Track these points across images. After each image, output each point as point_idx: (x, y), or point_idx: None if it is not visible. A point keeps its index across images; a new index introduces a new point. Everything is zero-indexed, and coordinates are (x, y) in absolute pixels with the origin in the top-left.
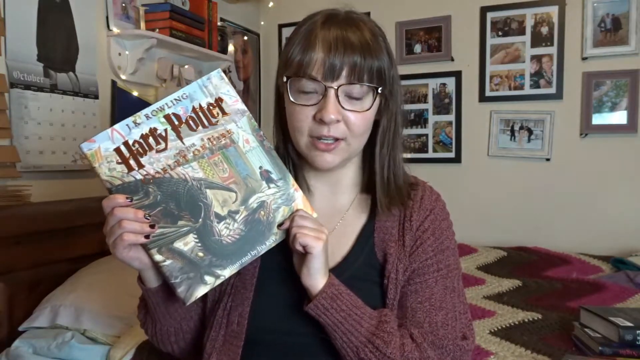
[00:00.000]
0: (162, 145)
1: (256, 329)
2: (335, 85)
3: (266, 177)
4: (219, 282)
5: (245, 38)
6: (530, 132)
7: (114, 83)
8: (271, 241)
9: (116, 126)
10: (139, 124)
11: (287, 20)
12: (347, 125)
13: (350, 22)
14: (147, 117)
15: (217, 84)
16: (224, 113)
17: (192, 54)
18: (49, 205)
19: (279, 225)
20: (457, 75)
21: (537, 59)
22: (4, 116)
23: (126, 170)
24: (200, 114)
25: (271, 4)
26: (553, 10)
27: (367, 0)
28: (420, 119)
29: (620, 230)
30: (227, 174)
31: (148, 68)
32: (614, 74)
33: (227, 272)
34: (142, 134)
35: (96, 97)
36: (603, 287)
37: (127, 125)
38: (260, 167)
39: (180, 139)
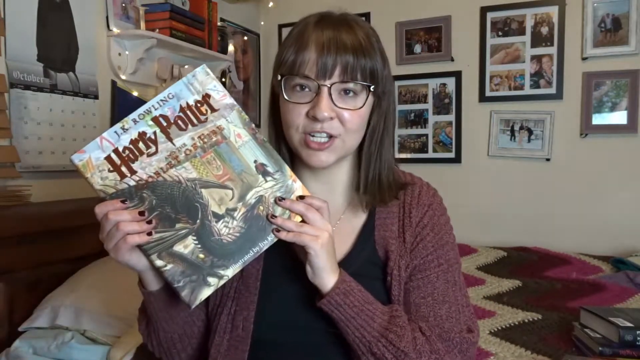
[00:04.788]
0: (153, 149)
1: (262, 332)
2: (328, 83)
3: (262, 170)
4: (222, 282)
5: (245, 38)
6: (530, 132)
7: (114, 83)
8: (273, 236)
9: (104, 134)
10: (127, 129)
11: (287, 20)
12: (342, 123)
13: (343, 23)
14: (135, 121)
15: (203, 80)
16: (212, 109)
17: (192, 54)
18: (49, 205)
19: (272, 217)
20: (457, 75)
21: (537, 59)
22: (3, 116)
23: (119, 178)
24: (189, 112)
25: (271, 4)
26: (553, 10)
27: (367, 0)
28: (420, 119)
29: (620, 230)
30: (221, 172)
31: (148, 68)
32: (614, 74)
33: (230, 272)
34: (131, 140)
35: (96, 97)
36: (603, 287)
37: (115, 132)
38: (255, 161)
39: (170, 140)
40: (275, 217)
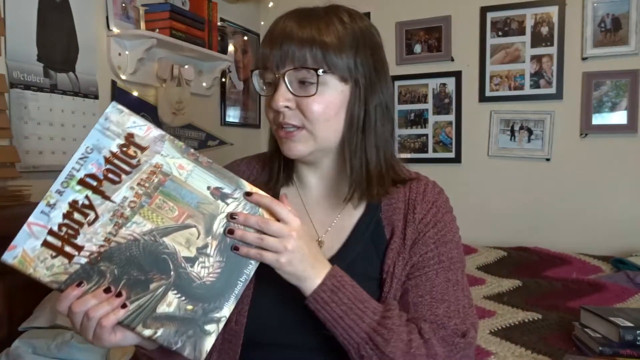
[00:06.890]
0: (92, 215)
1: (256, 327)
2: (282, 72)
3: (219, 195)
4: (222, 324)
5: (245, 38)
6: (530, 132)
7: (114, 83)
8: None
9: (31, 219)
10: (53, 204)
11: None
12: (303, 112)
13: (312, 15)
14: (59, 192)
15: (119, 120)
16: (141, 149)
17: (192, 54)
18: None
19: (235, 249)
20: (457, 75)
21: (537, 59)
22: (3, 116)
23: (67, 261)
24: (117, 161)
25: (271, 4)
26: (553, 10)
27: (367, 0)
28: (420, 119)
29: (620, 230)
30: (176, 212)
31: (148, 68)
32: (614, 74)
33: (226, 312)
34: (63, 214)
35: (96, 97)
36: (603, 287)
37: (41, 212)
38: (209, 187)
39: (108, 198)
40: (233, 232)
